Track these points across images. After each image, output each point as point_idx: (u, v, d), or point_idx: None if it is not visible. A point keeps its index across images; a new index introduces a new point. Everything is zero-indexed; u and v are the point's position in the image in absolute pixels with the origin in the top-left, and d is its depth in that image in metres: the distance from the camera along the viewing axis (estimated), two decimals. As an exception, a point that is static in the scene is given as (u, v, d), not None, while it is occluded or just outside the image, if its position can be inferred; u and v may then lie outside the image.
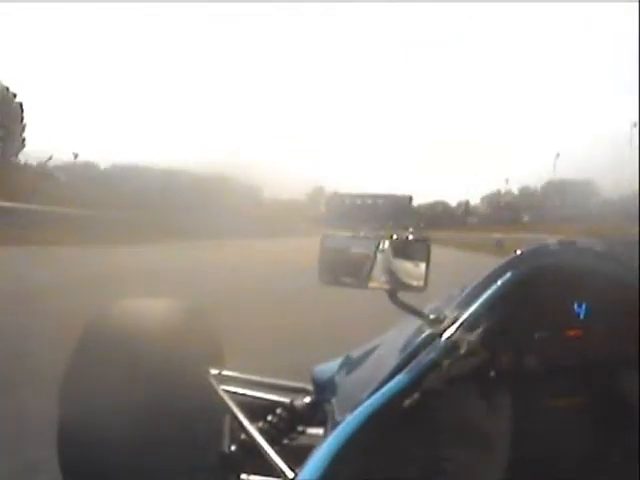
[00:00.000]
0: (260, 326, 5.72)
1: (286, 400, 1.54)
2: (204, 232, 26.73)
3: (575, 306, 0.92)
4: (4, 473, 2.51)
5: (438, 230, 47.35)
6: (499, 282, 0.97)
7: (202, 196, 41.24)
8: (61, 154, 46.41)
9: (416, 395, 0.91)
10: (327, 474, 0.85)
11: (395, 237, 1.20)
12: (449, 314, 1.00)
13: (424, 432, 0.92)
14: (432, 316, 1.07)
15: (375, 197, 72.55)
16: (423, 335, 1.01)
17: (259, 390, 1.59)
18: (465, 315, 0.97)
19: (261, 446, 1.31)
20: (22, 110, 44.69)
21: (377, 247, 1.21)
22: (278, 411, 1.53)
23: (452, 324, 0.97)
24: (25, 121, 45.08)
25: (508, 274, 0.98)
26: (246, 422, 1.42)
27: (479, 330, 0.94)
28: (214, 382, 1.56)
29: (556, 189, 59.10)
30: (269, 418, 1.52)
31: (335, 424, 1.01)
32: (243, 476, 1.44)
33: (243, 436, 1.47)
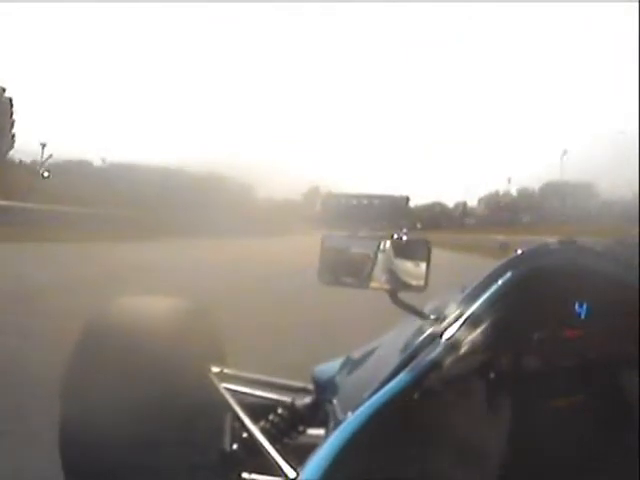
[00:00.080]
0: (257, 324, 5.73)
1: (287, 399, 1.54)
2: (199, 231, 26.70)
3: (576, 306, 0.92)
4: (4, 473, 2.50)
5: (436, 231, 47.07)
6: (499, 282, 0.98)
7: (198, 195, 41.22)
8: (61, 153, 46.35)
9: (417, 395, 0.92)
10: (328, 473, 0.85)
11: (396, 237, 1.21)
12: (450, 314, 1.01)
13: (425, 432, 0.92)
14: (433, 316, 1.07)
15: (371, 197, 72.42)
16: (424, 335, 1.02)
17: (260, 389, 1.59)
18: (466, 315, 0.97)
19: (262, 445, 1.31)
20: (12, 105, 44.51)
21: (378, 247, 1.21)
22: (279, 410, 1.53)
23: (453, 324, 0.98)
24: (15, 117, 44.92)
25: (508, 274, 0.98)
26: (247, 421, 1.42)
27: (480, 330, 0.94)
28: (215, 380, 1.56)
29: (555, 190, 59.04)
30: (270, 417, 1.52)
31: (336, 424, 1.01)
32: (244, 475, 1.44)
33: (244, 435, 1.48)
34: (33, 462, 2.52)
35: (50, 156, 43.03)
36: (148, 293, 1.82)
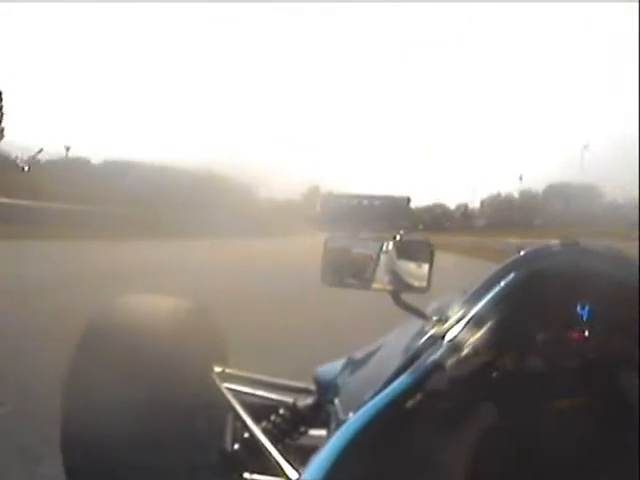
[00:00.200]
0: (257, 323, 5.73)
1: (289, 400, 1.54)
2: (198, 230, 26.71)
3: (578, 308, 0.92)
4: (4, 473, 2.50)
5: (439, 233, 46.44)
6: (502, 283, 0.98)
7: (197, 194, 41.22)
8: (60, 150, 46.29)
9: (419, 396, 0.92)
10: (330, 474, 0.85)
11: (398, 238, 1.21)
12: (452, 315, 1.01)
13: (427, 433, 0.93)
14: (435, 317, 1.07)
15: (371, 198, 72.35)
16: (426, 336, 1.02)
17: (262, 389, 1.59)
18: (468, 316, 0.97)
19: (264, 445, 1.32)
20: (0, 99, 44.38)
21: (380, 248, 1.22)
22: (281, 411, 1.53)
23: (455, 325, 0.98)
24: (4, 111, 44.76)
25: (511, 275, 0.98)
26: (249, 421, 1.42)
27: (482, 331, 0.94)
28: (217, 380, 1.56)
29: (558, 192, 58.68)
30: (272, 417, 1.52)
31: (338, 425, 1.01)
32: (245, 475, 1.45)
33: (246, 435, 1.48)
34: (34, 460, 2.53)
35: (40, 150, 42.98)
36: (147, 292, 1.81)
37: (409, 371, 0.95)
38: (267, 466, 1.27)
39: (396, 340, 1.32)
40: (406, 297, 1.18)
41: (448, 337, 0.97)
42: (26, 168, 40.53)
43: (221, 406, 1.51)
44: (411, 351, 1.01)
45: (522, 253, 1.03)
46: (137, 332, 1.51)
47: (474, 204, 71.45)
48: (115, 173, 44.35)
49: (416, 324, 1.20)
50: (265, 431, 1.43)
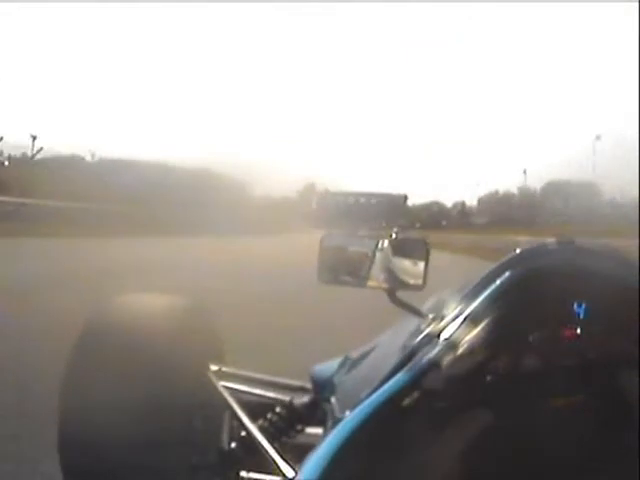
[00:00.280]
0: (255, 322, 5.73)
1: (286, 398, 1.55)
2: (194, 228, 26.66)
3: (574, 306, 0.93)
4: (3, 473, 2.50)
5: (435, 231, 46.22)
6: (498, 281, 0.98)
7: (193, 192, 41.12)
8: (56, 148, 46.16)
9: (415, 394, 0.92)
10: (326, 472, 0.85)
11: (394, 236, 1.21)
12: (448, 313, 1.01)
13: (423, 431, 0.93)
14: (431, 315, 1.07)
15: (368, 196, 72.18)
16: (422, 334, 1.02)
17: (259, 387, 1.59)
18: (464, 314, 0.97)
19: (261, 444, 1.32)
20: None
21: (376, 246, 1.22)
22: (278, 409, 1.53)
23: (451, 323, 0.98)
24: None
25: (507, 273, 0.98)
26: (246, 419, 1.42)
27: (478, 329, 0.94)
28: (214, 378, 1.56)
29: (557, 190, 58.46)
30: (269, 416, 1.52)
31: (335, 423, 1.01)
32: (242, 473, 1.45)
33: (243, 433, 1.48)
34: (32, 461, 2.52)
35: (41, 149, 42.84)
36: (143, 290, 1.81)
37: (405, 369, 0.95)
38: (264, 464, 1.27)
39: (392, 338, 1.33)
40: (402, 295, 1.18)
41: (444, 335, 0.97)
42: (6, 163, 40.36)
43: (218, 404, 1.51)
44: (407, 349, 1.01)
45: (518, 251, 1.03)
46: (134, 331, 1.51)
47: (472, 202, 71.42)
48: (111, 171, 44.15)
49: (412, 322, 1.20)
50: (262, 429, 1.43)
